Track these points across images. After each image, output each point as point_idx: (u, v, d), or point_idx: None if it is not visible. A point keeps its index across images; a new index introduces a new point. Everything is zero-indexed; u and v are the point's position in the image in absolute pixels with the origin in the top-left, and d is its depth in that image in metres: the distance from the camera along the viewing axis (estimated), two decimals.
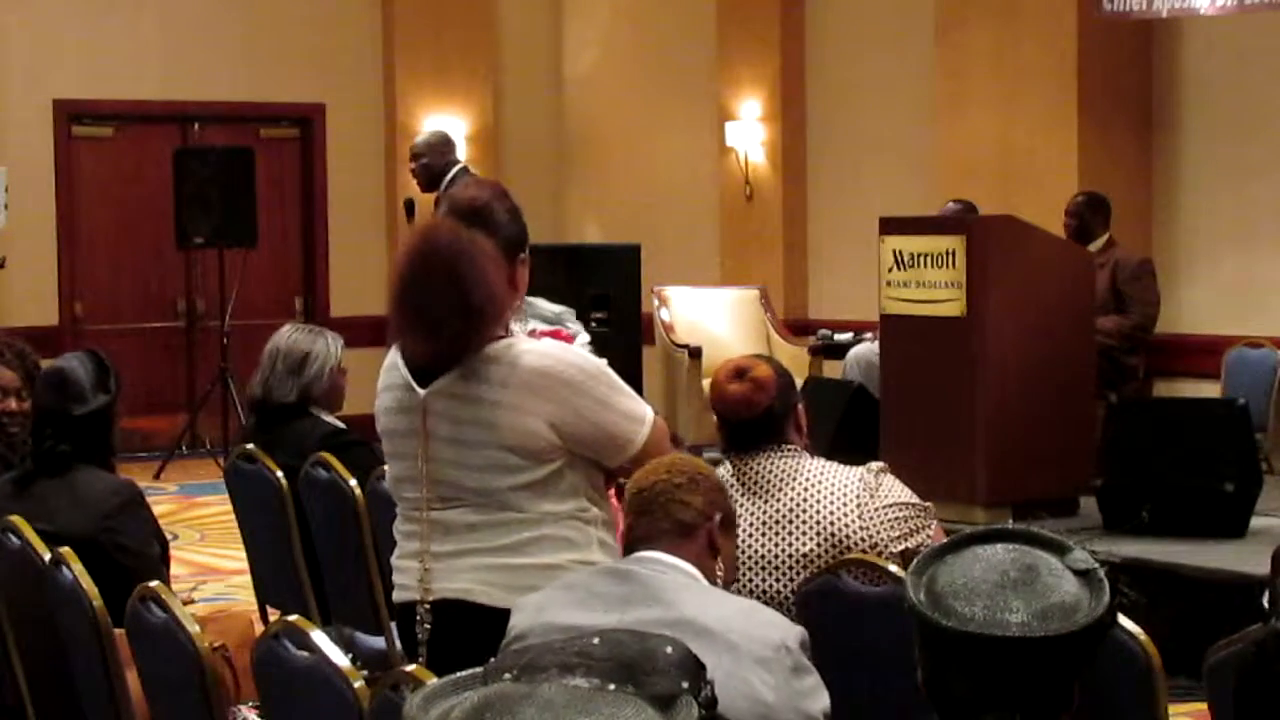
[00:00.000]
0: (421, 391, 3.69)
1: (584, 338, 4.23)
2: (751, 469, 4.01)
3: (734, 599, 3.08)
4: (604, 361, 3.81)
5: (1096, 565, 2.20)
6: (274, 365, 5.58)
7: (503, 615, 3.52)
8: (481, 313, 3.62)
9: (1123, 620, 3.20)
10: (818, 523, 3.93)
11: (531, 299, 4.45)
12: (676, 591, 2.97)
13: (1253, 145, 9.61)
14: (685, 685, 1.85)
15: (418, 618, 3.72)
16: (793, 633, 2.93)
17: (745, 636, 2.88)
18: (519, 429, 3.62)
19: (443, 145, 8.63)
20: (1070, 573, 2.17)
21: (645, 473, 3.20)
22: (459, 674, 1.86)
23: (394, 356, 3.81)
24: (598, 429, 3.66)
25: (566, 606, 3.03)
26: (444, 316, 3.60)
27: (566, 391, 3.64)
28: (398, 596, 3.82)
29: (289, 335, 5.64)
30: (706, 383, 10.27)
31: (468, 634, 3.62)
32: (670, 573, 3.03)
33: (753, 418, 4.02)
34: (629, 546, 3.14)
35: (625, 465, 3.74)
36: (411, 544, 3.76)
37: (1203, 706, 3.32)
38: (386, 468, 3.97)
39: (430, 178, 8.49)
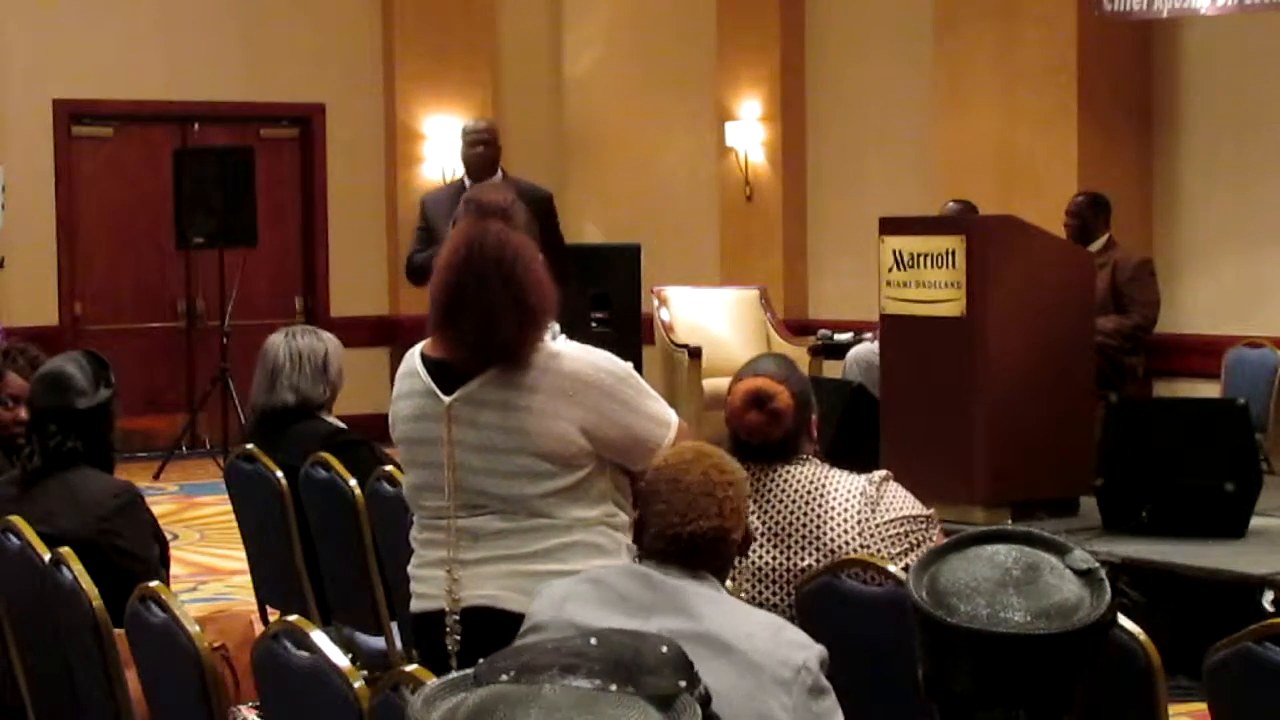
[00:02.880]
0: (446, 398, 3.65)
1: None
2: (762, 480, 3.98)
3: (759, 614, 3.04)
4: (630, 364, 3.78)
5: (1097, 565, 2.20)
6: (300, 367, 5.55)
7: None
8: (538, 310, 3.62)
9: (1123, 620, 3.19)
10: (817, 538, 3.90)
11: None
12: (701, 604, 2.95)
13: (1253, 145, 9.61)
14: (683, 684, 1.85)
15: (447, 629, 3.68)
16: (814, 652, 2.90)
17: (768, 657, 2.86)
18: (551, 434, 3.59)
19: None
20: (1071, 572, 2.18)
21: (698, 509, 3.02)
22: (452, 675, 1.86)
23: (412, 363, 3.76)
24: (627, 433, 3.65)
25: (590, 605, 3.00)
26: (501, 316, 3.58)
27: (597, 396, 3.62)
28: (418, 606, 3.77)
29: (300, 338, 5.61)
30: (707, 383, 10.29)
31: (497, 640, 3.55)
32: (694, 583, 3.01)
33: (771, 441, 3.99)
34: (653, 553, 3.09)
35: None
36: (435, 552, 3.71)
37: (1203, 706, 3.31)
38: (404, 476, 3.91)
39: (492, 166, 8.26)
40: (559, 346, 3.67)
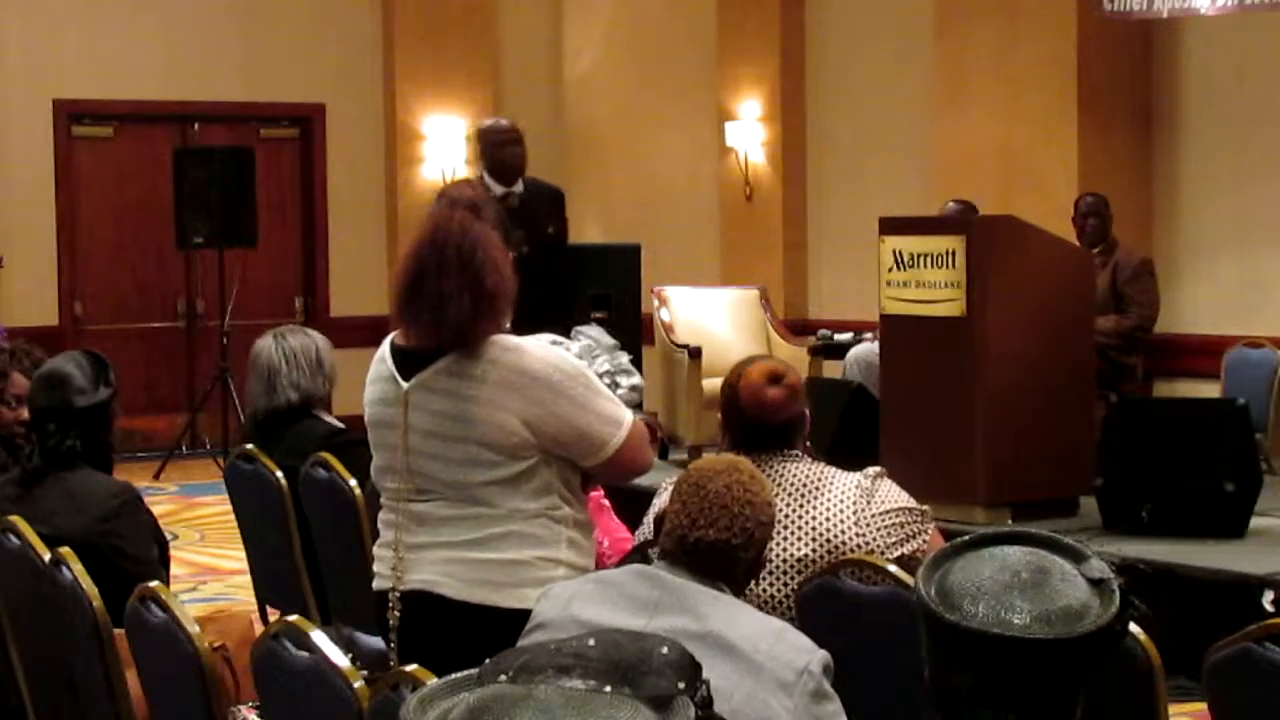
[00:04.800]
0: (404, 384, 3.76)
1: (636, 379, 4.28)
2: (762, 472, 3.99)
3: (763, 617, 3.04)
4: (585, 363, 3.89)
5: (1111, 575, 2.18)
6: (296, 365, 5.54)
7: (465, 608, 3.64)
8: (493, 297, 3.71)
9: None
10: (814, 528, 3.93)
11: (585, 329, 4.48)
12: (707, 603, 2.95)
13: (1253, 145, 9.61)
14: (681, 686, 1.84)
15: (389, 605, 3.80)
16: (817, 657, 2.90)
17: (770, 658, 2.86)
18: (494, 425, 3.68)
19: None
20: (1083, 580, 2.17)
21: (708, 518, 3.03)
22: (455, 675, 1.86)
23: (383, 349, 3.88)
24: (572, 429, 3.72)
25: (595, 603, 3.01)
26: (455, 299, 3.67)
27: (543, 390, 3.70)
28: (376, 584, 3.89)
29: (289, 338, 5.61)
30: (706, 383, 10.26)
31: (433, 625, 3.72)
32: (701, 585, 3.00)
33: (780, 423, 4.02)
34: (665, 553, 3.09)
35: (601, 466, 3.77)
36: (389, 534, 3.84)
37: (1203, 706, 3.31)
38: (372, 458, 4.01)
39: (524, 164, 8.01)
40: (513, 340, 3.76)
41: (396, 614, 3.78)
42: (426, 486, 3.76)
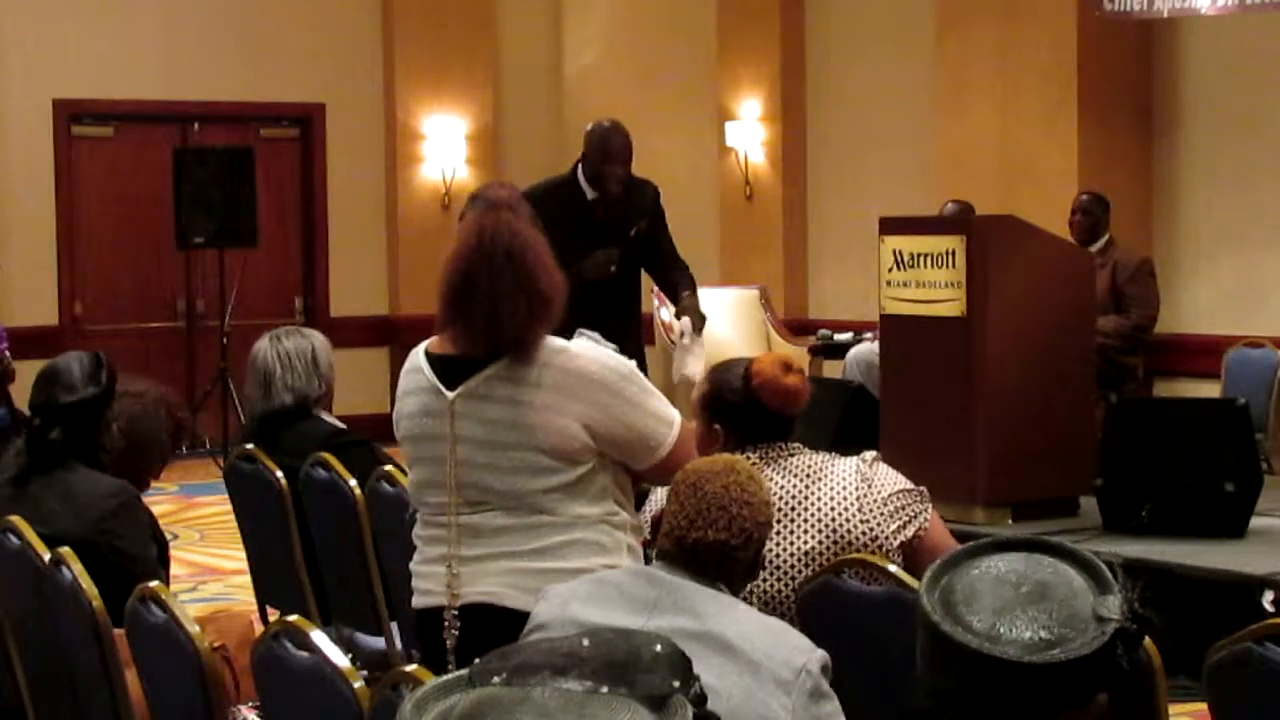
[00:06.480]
0: (449, 394, 3.66)
1: None
2: (763, 469, 3.98)
3: (761, 617, 3.04)
4: (633, 363, 3.79)
5: (1118, 618, 2.15)
6: (291, 367, 5.54)
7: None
8: (547, 299, 3.63)
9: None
10: (819, 519, 3.92)
11: (585, 330, 4.42)
12: (704, 603, 2.94)
13: (1253, 145, 9.61)
14: (676, 684, 1.83)
15: (445, 623, 3.69)
16: (815, 656, 2.90)
17: (768, 657, 2.85)
18: (553, 430, 3.60)
19: None
20: (1089, 610, 2.14)
21: (707, 519, 3.03)
22: (446, 677, 1.84)
23: (416, 360, 3.77)
24: (630, 430, 3.65)
25: (593, 603, 3.00)
26: (510, 302, 3.58)
27: (600, 392, 3.63)
28: (419, 602, 3.77)
29: (285, 340, 5.60)
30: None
31: (496, 638, 3.56)
32: (699, 585, 3.00)
33: (794, 413, 4.03)
34: (663, 554, 3.09)
35: (655, 468, 3.72)
36: (437, 548, 3.72)
37: (1203, 706, 3.31)
38: (409, 473, 3.93)
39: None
40: (560, 342, 3.68)
41: (455, 632, 3.67)
42: (478, 498, 3.66)
